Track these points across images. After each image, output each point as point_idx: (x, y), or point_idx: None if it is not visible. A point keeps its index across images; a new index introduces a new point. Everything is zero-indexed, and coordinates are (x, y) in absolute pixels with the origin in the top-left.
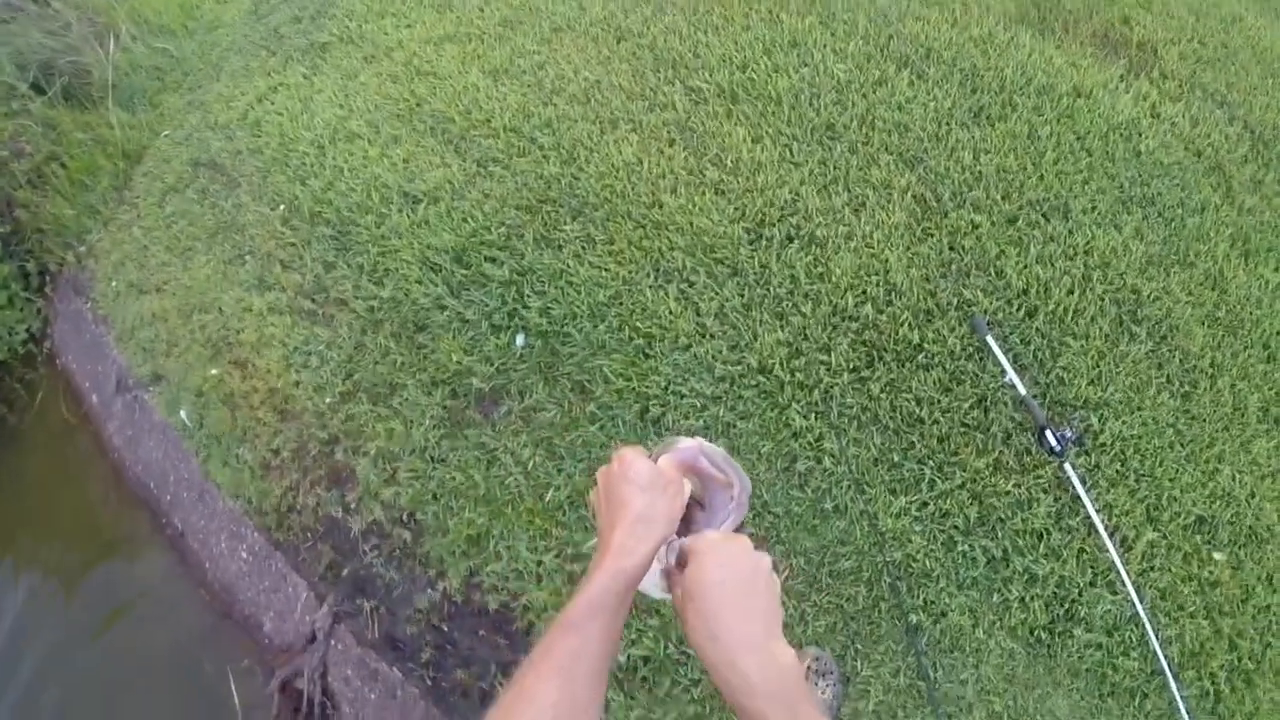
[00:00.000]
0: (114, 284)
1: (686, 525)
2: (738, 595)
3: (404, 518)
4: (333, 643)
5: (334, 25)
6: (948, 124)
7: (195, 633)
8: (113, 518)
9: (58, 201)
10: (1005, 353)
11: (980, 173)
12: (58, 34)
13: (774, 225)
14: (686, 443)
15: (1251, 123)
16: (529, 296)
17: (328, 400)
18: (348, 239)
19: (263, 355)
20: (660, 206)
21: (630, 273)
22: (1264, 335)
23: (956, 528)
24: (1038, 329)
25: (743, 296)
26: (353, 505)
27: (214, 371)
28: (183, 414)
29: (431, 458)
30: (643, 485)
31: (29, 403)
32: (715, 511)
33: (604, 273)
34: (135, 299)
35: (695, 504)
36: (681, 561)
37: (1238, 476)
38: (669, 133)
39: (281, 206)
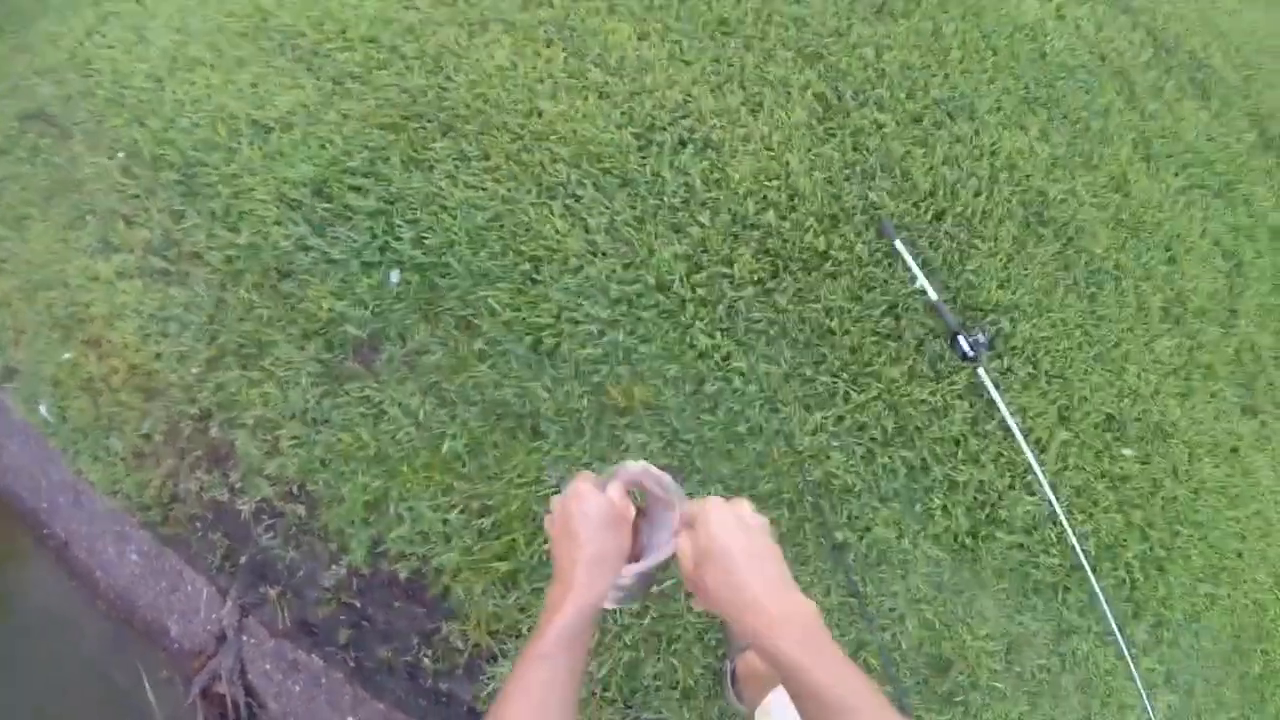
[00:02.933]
0: None
1: (635, 545)
2: (749, 551)
3: (294, 491)
4: (245, 638)
5: None
6: (848, 19)
7: (101, 648)
8: None
9: None
10: (914, 257)
11: (883, 70)
12: None
13: (665, 129)
14: (633, 465)
15: (1154, 30)
16: (400, 227)
17: (193, 370)
18: (195, 182)
19: (116, 329)
20: (539, 115)
21: (510, 190)
22: (1165, 238)
23: (874, 440)
24: (946, 232)
25: (635, 209)
26: (238, 485)
27: (67, 355)
28: (42, 409)
29: (314, 420)
30: (598, 524)
31: None
32: (656, 528)
33: (481, 193)
34: None
35: (639, 516)
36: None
37: (1143, 375)
38: (545, 32)
39: (120, 154)
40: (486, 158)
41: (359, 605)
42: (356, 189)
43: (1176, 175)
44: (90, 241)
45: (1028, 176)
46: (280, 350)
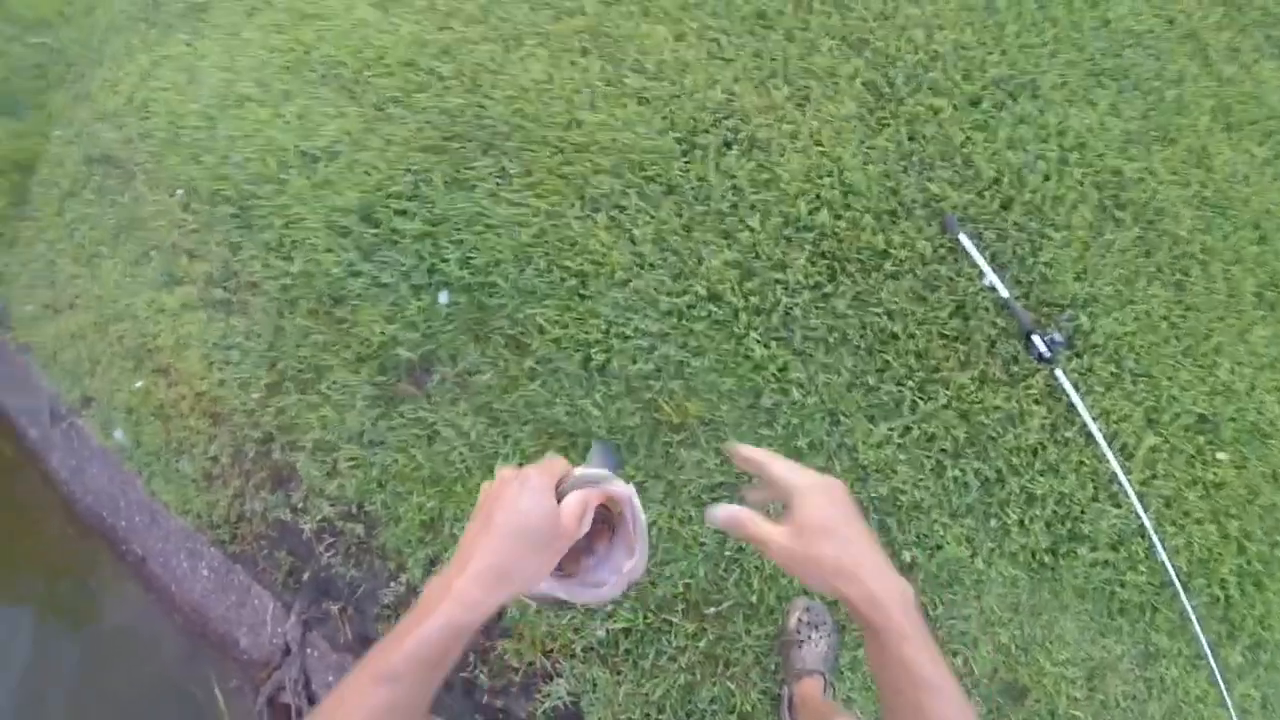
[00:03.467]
0: (29, 308)
1: (572, 559)
2: (861, 524)
3: (353, 511)
4: (308, 651)
5: None
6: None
7: (176, 659)
8: (73, 553)
9: None
10: (981, 251)
11: (936, 52)
12: None
13: (708, 132)
14: (622, 486)
15: None
16: (446, 248)
17: (255, 396)
18: (250, 214)
19: (183, 358)
20: (578, 126)
21: (553, 205)
22: (1254, 215)
23: (945, 451)
24: (1014, 222)
25: (681, 217)
26: (300, 505)
27: (139, 384)
28: (118, 434)
29: (370, 441)
30: (523, 531)
31: None
32: (608, 559)
33: (524, 209)
34: (51, 320)
35: (595, 540)
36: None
37: (1237, 369)
38: (580, 42)
39: (179, 191)
40: (528, 173)
41: None
42: (402, 213)
43: (1261, 144)
44: (156, 276)
45: (1100, 155)
46: (336, 374)
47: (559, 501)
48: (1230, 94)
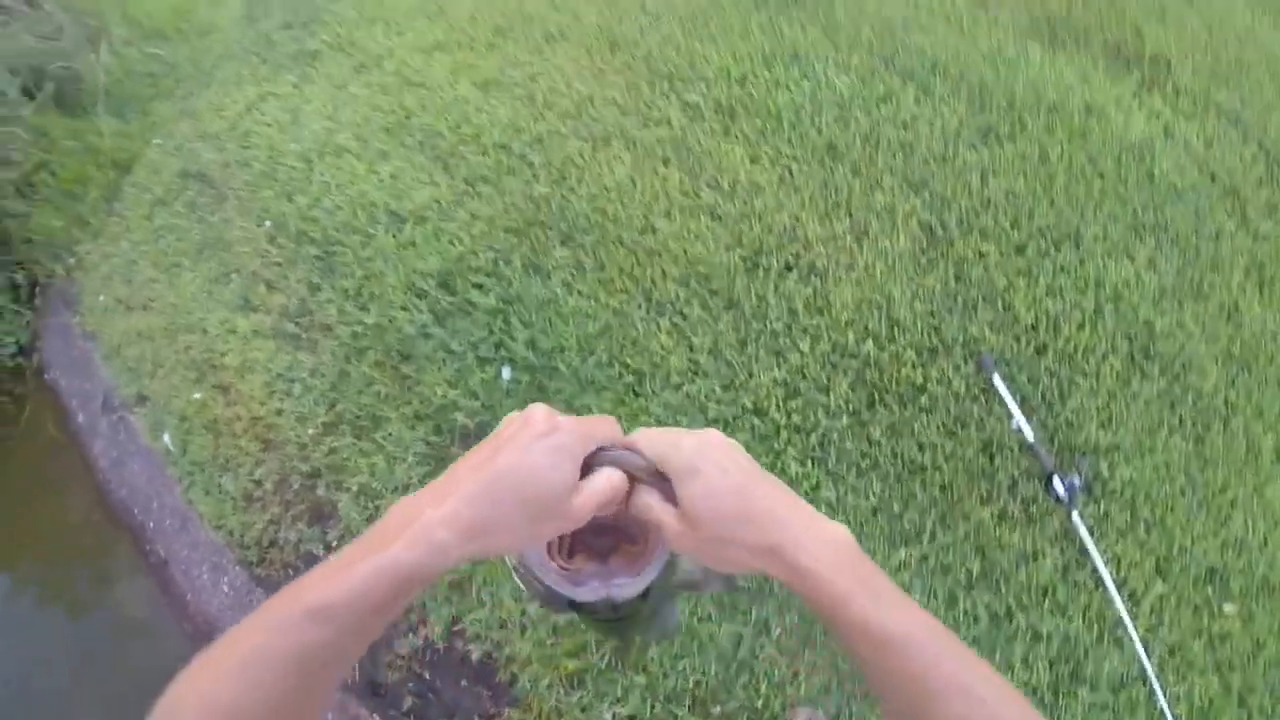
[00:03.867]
0: (102, 299)
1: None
2: (751, 486)
3: None
4: None
5: (325, 32)
6: (955, 144)
7: (178, 661)
8: (96, 540)
9: (47, 211)
10: (1013, 393)
11: (988, 198)
12: (49, 38)
13: (772, 254)
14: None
15: (1266, 144)
16: (516, 327)
17: (310, 431)
18: (333, 260)
19: (246, 380)
20: (653, 232)
21: (621, 303)
22: (1279, 371)
23: (959, 582)
24: (1047, 367)
25: (738, 331)
26: (334, 543)
27: (198, 395)
28: (166, 438)
29: None
30: (524, 489)
31: (16, 417)
32: (593, 576)
33: (594, 303)
34: (123, 315)
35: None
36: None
37: (1250, 523)
38: (663, 151)
39: (268, 223)
40: (601, 269)
41: (428, 677)
42: (479, 286)
43: None
44: (232, 298)
45: (1134, 308)
46: (393, 427)
47: (585, 473)
48: (1265, 250)
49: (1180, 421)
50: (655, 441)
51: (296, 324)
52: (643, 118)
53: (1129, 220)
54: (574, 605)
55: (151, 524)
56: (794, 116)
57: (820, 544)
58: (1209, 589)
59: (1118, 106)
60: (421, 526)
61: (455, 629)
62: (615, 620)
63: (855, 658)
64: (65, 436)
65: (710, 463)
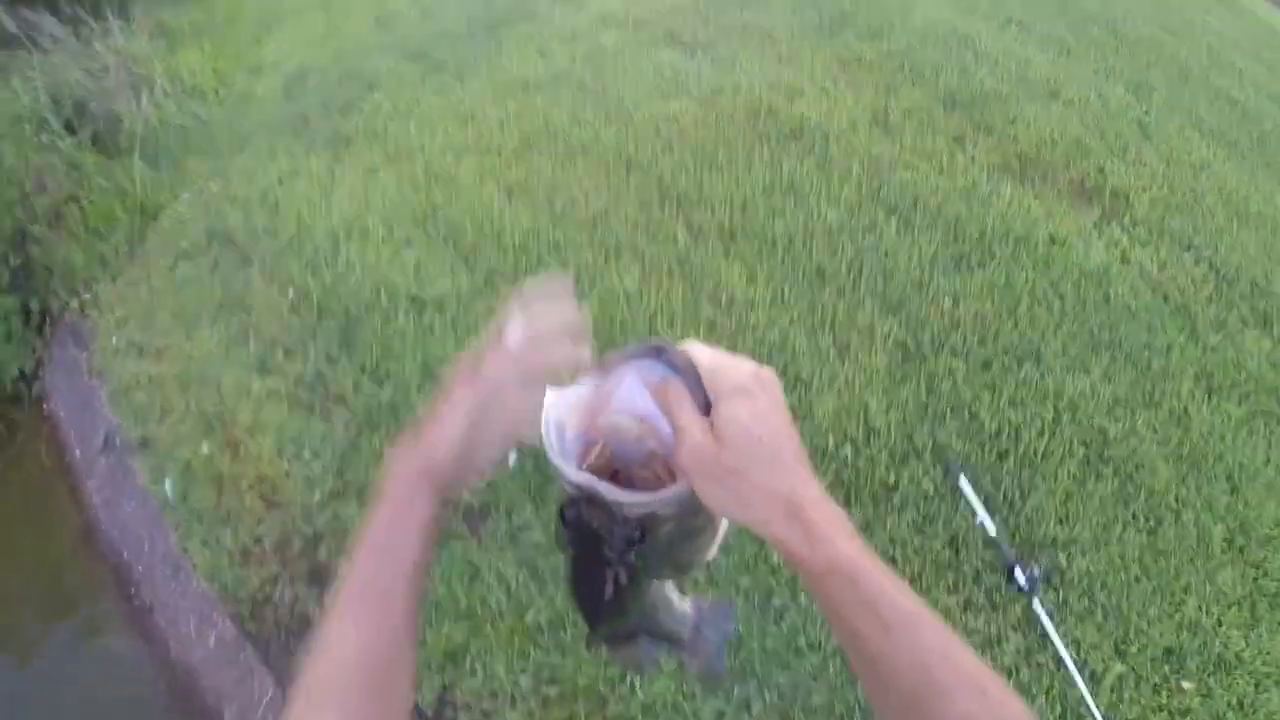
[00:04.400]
0: (115, 340)
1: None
2: (794, 432)
3: None
4: None
5: (360, 120)
6: (930, 271)
7: (150, 709)
8: (79, 577)
9: (71, 244)
10: (977, 493)
11: (959, 319)
12: (96, 75)
13: (762, 362)
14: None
15: (1217, 263)
16: None
17: (317, 496)
18: (353, 336)
19: (256, 440)
20: (655, 336)
21: None
22: (1227, 468)
23: None
24: (1008, 471)
25: None
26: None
27: (205, 448)
28: (167, 485)
29: None
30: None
31: (8, 442)
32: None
33: None
34: (134, 359)
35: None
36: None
37: (1204, 606)
38: (669, 266)
39: (291, 292)
40: None
41: None
42: None
43: (1239, 405)
44: (249, 359)
45: (1089, 416)
46: None
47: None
48: (1213, 360)
49: (1134, 516)
50: (711, 355)
51: (312, 392)
52: (652, 234)
53: (1086, 338)
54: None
55: (140, 568)
56: (788, 242)
57: (834, 513)
58: (1166, 668)
59: (1079, 237)
60: (412, 495)
61: (446, 698)
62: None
63: (857, 642)
64: (58, 469)
65: (764, 391)
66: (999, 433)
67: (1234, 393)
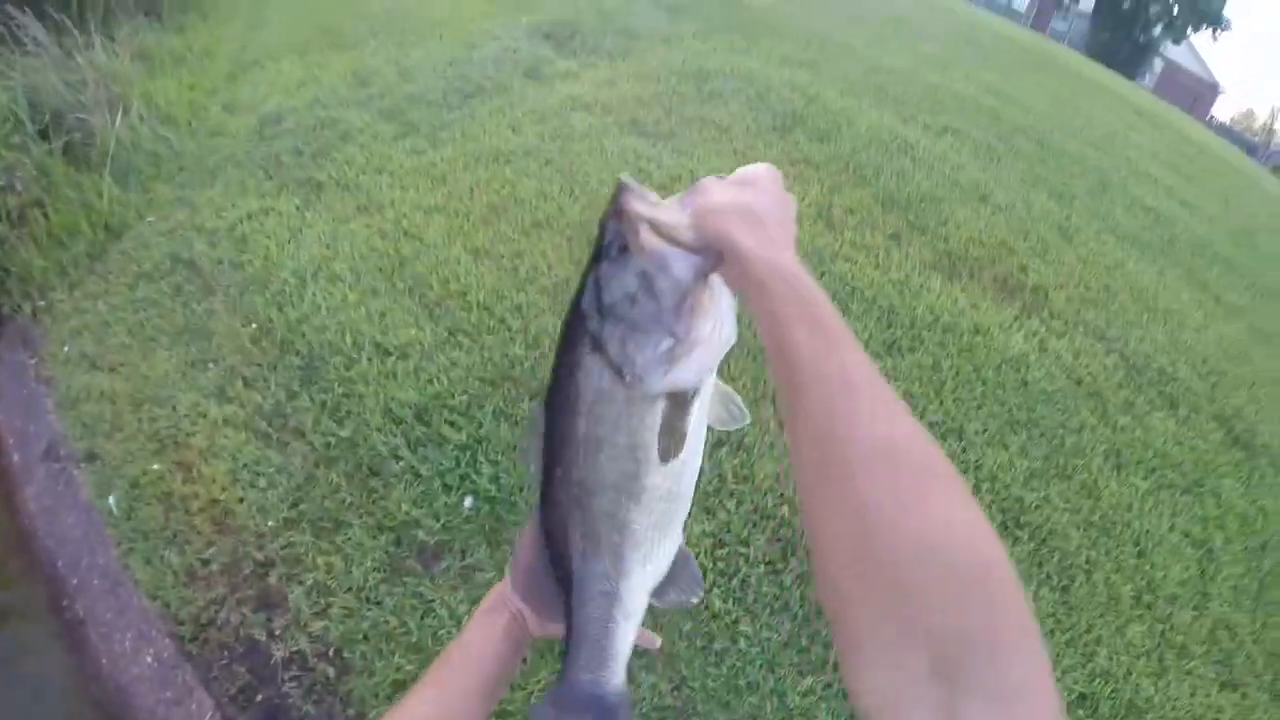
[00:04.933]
0: (66, 349)
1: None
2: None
3: (330, 653)
4: None
5: (332, 168)
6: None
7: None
8: (5, 584)
9: (31, 248)
10: None
11: None
12: (74, 87)
13: (709, 430)
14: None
15: (1127, 353)
16: (482, 463)
17: (270, 523)
18: (314, 373)
19: (210, 464)
20: None
21: None
22: (1135, 534)
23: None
24: None
25: None
26: (278, 631)
27: (156, 466)
28: (111, 500)
29: (368, 598)
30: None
31: None
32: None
33: None
34: (86, 371)
35: None
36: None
37: (1114, 658)
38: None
39: (254, 325)
40: None
41: None
42: (451, 423)
43: (1145, 478)
44: (208, 385)
45: (1007, 486)
46: (354, 532)
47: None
48: (1122, 439)
49: (1048, 576)
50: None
51: (270, 424)
52: None
53: (1005, 417)
54: None
55: (76, 580)
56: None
57: (792, 250)
58: (1081, 711)
59: (1001, 328)
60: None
61: None
62: None
63: (787, 350)
64: None
65: (758, 182)
66: None
67: (1141, 468)
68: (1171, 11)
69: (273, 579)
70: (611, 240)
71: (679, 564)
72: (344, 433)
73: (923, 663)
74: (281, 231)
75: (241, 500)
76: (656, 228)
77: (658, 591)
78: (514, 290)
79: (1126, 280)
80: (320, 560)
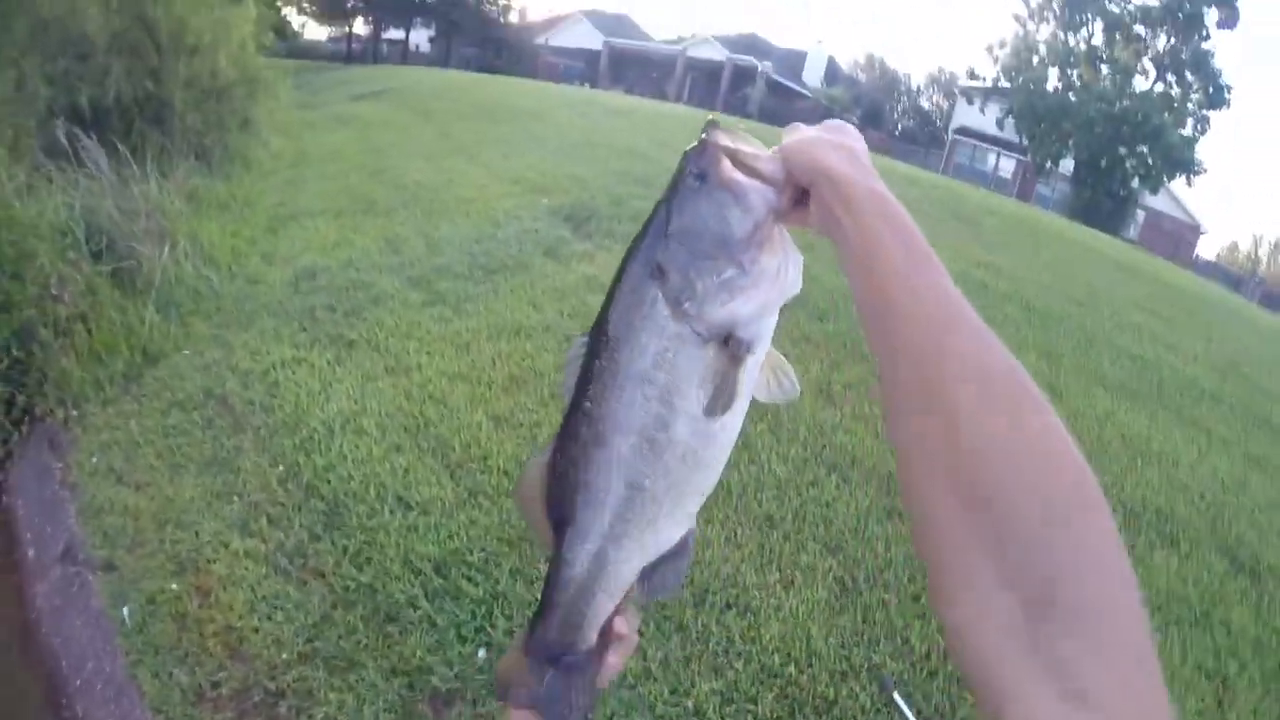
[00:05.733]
0: (94, 460)
1: None
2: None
3: None
4: None
5: (364, 328)
6: (866, 520)
7: None
8: (6, 676)
9: (71, 359)
10: (910, 707)
11: (891, 559)
12: (128, 216)
13: (716, 594)
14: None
15: (1124, 499)
16: (498, 618)
17: (283, 656)
18: (338, 518)
19: (228, 591)
20: None
21: None
22: None
23: None
24: (939, 687)
25: (685, 650)
26: None
27: (174, 586)
28: (125, 611)
29: None
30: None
31: None
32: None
33: None
34: (112, 485)
35: None
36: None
37: None
38: None
39: (281, 467)
40: None
41: None
42: (469, 578)
43: (1153, 617)
44: (231, 516)
45: None
46: (367, 673)
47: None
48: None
49: None
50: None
51: (290, 561)
52: None
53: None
54: None
55: (79, 682)
56: (741, 491)
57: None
58: None
59: None
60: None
61: None
62: None
63: (877, 264)
64: (4, 562)
65: (850, 128)
66: (929, 654)
67: (1147, 607)
68: (1147, 163)
69: (283, 709)
70: (689, 170)
71: (675, 551)
72: (363, 578)
73: (1004, 579)
74: (313, 382)
75: (257, 630)
76: (736, 159)
77: (643, 573)
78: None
79: (1118, 429)
80: (333, 696)
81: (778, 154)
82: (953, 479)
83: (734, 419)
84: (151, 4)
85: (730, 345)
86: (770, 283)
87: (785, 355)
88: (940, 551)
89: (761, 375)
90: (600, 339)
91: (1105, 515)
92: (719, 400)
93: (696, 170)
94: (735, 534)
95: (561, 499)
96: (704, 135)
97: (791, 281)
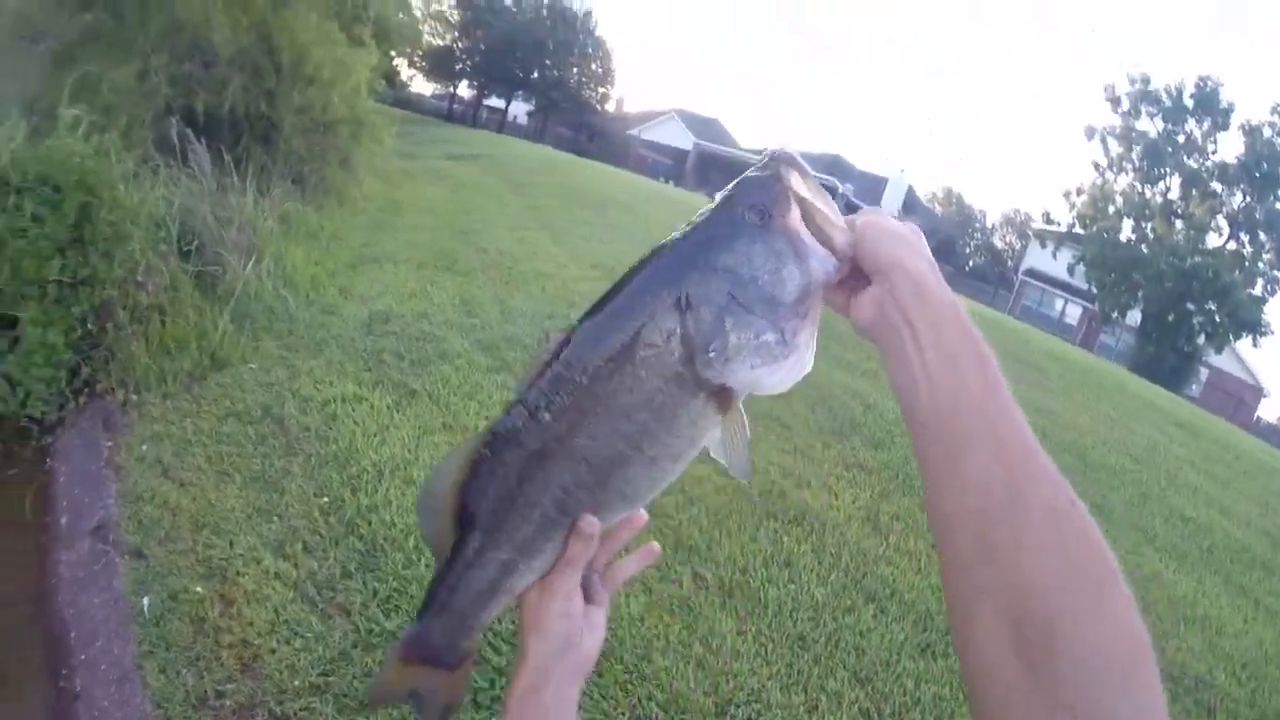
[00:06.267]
0: (144, 448)
1: None
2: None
3: None
4: None
5: (428, 380)
6: (898, 654)
7: None
8: (11, 632)
9: (141, 346)
10: None
11: (919, 698)
12: (221, 223)
13: (739, 706)
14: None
15: (1164, 663)
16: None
17: (295, 682)
18: (373, 561)
19: (252, 607)
20: (650, 661)
21: (608, 710)
22: None
23: None
24: None
25: None
26: None
27: (199, 589)
28: (145, 602)
29: None
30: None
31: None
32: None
33: (590, 704)
34: (157, 476)
35: None
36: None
37: None
38: (672, 604)
39: (325, 498)
40: (600, 676)
41: None
42: (494, 647)
43: None
44: (268, 534)
45: None
46: (379, 716)
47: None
48: None
49: None
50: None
51: (319, 593)
52: (661, 574)
53: None
54: None
55: (84, 656)
56: (778, 608)
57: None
58: None
59: None
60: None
61: None
62: None
63: (947, 367)
64: (36, 522)
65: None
66: None
67: None
68: (1214, 321)
69: None
70: (748, 202)
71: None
72: (389, 624)
73: None
74: (370, 422)
75: (274, 651)
76: (806, 213)
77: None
78: None
79: (1164, 590)
80: None
81: (851, 228)
82: (1018, 639)
83: (684, 465)
84: (279, 31)
85: (720, 396)
86: (798, 359)
87: (837, 478)
88: (1008, 709)
89: (722, 429)
90: (587, 355)
91: (1160, 694)
92: (686, 440)
93: (758, 206)
94: (766, 649)
95: (480, 500)
96: (772, 165)
97: (809, 364)
